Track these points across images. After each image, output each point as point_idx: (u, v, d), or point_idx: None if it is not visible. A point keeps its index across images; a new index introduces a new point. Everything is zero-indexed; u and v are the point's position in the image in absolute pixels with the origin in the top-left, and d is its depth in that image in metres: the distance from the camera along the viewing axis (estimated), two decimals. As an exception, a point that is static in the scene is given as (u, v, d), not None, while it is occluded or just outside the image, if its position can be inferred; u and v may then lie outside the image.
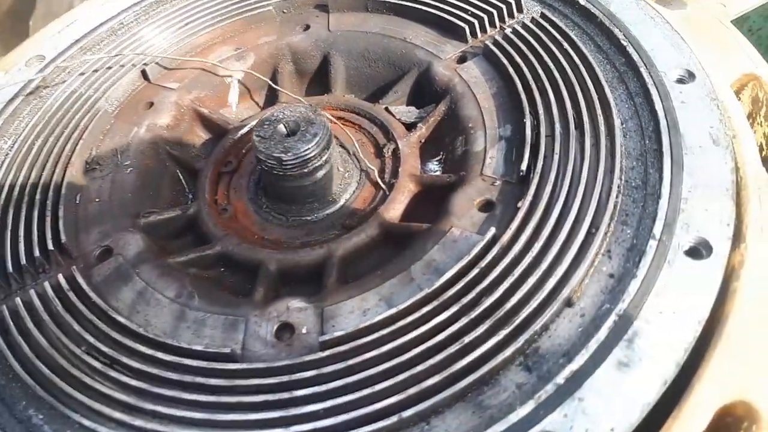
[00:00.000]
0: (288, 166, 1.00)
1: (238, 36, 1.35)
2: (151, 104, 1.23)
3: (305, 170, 1.01)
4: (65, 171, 1.09)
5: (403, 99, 1.21)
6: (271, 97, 1.31)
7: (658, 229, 0.82)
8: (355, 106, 1.21)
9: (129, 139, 1.17)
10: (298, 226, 1.08)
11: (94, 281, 0.96)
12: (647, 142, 0.94)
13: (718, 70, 0.99)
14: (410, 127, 1.16)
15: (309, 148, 1.00)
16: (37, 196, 1.04)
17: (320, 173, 1.04)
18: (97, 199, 1.08)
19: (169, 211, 1.10)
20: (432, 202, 1.05)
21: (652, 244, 0.81)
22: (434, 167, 1.13)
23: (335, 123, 1.19)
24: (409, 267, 0.88)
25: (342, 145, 1.16)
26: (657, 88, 0.98)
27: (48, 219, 1.01)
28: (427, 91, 1.18)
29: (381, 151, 1.14)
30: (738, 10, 1.20)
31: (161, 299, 0.91)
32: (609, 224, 0.86)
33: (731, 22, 1.13)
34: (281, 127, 1.03)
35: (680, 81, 0.98)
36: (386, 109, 1.19)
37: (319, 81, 1.31)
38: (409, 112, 1.18)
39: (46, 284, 0.91)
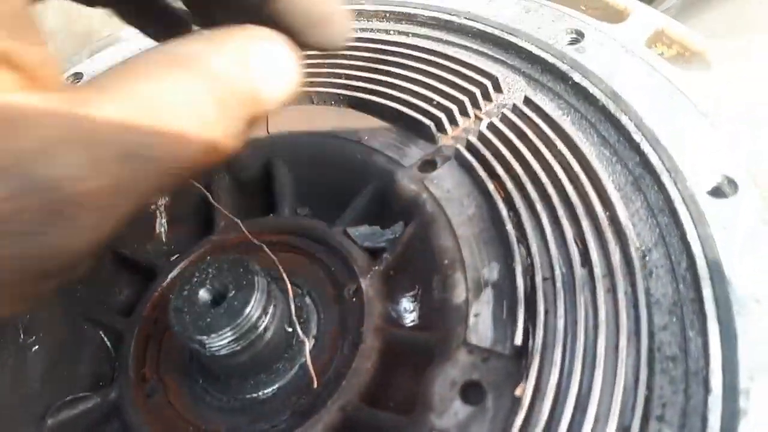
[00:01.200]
0: (214, 349, 0.78)
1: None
2: (61, 251, 1.01)
3: (237, 348, 0.79)
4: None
5: (364, 216, 0.98)
6: (208, 219, 1.07)
7: (713, 446, 0.58)
8: (306, 229, 0.98)
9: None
10: (240, 409, 0.85)
11: None
12: (681, 286, 0.70)
13: (765, 171, 0.74)
14: (377, 252, 0.93)
15: (238, 324, 0.77)
16: None
17: (259, 345, 0.81)
18: (-8, 400, 0.87)
19: (84, 400, 0.88)
20: (407, 363, 0.82)
21: (709, 471, 0.57)
22: (408, 306, 0.90)
23: (281, 254, 0.96)
24: (376, 500, 0.66)
25: (294, 284, 0.93)
26: (686, 204, 0.74)
27: None
28: (392, 206, 0.94)
29: (342, 292, 0.90)
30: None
31: None
32: (641, 424, 0.63)
33: None
34: (203, 294, 0.80)
35: (716, 193, 0.73)
36: (344, 231, 0.95)
37: (264, 193, 1.08)
38: (372, 235, 0.94)
39: None
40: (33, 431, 0.83)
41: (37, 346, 0.91)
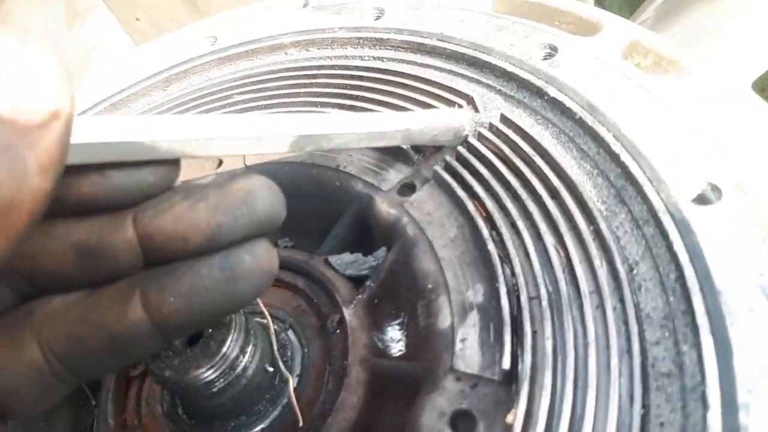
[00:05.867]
0: (191, 390, 0.74)
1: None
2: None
3: (213, 390, 0.75)
4: None
5: (346, 244, 0.95)
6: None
7: (715, 468, 0.55)
8: (286, 260, 0.95)
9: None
10: (225, 453, 0.82)
11: None
12: (672, 299, 0.67)
13: (752, 175, 0.72)
14: (359, 281, 0.90)
15: (214, 365, 0.73)
16: None
17: (238, 386, 0.78)
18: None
19: (61, 453, 0.85)
20: (395, 394, 0.79)
21: (712, 496, 0.54)
22: (395, 335, 0.87)
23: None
24: None
25: (275, 318, 0.90)
26: (671, 213, 0.71)
27: None
28: (373, 232, 0.92)
29: (325, 324, 0.88)
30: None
31: None
32: (639, 446, 0.60)
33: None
34: (180, 333, 0.77)
35: (701, 200, 0.71)
36: (326, 260, 0.93)
37: (244, 226, 1.06)
38: (355, 262, 0.92)
39: None
40: (7, 488, 0.79)
41: (11, 398, 0.88)
